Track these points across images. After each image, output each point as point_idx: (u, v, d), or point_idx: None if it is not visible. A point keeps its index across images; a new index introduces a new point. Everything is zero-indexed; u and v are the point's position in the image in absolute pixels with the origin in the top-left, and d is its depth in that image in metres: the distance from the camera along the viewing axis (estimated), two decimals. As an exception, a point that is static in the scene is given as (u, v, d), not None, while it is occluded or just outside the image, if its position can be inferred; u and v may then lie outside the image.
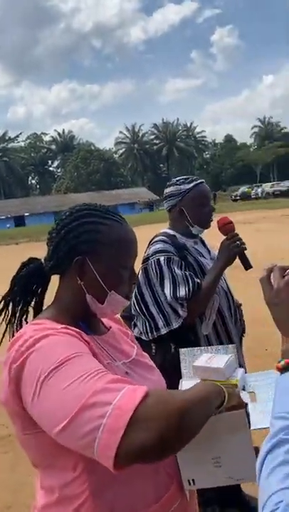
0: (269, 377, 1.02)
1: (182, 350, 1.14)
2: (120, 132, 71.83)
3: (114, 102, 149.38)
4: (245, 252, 1.86)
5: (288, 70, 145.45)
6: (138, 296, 1.86)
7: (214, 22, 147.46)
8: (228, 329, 1.91)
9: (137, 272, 1.07)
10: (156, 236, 1.96)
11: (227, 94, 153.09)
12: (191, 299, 1.76)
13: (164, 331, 1.78)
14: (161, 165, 72.05)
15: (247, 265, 1.84)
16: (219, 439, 0.91)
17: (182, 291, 1.76)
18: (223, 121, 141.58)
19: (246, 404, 0.92)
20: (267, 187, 39.63)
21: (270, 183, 42.44)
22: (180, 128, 71.89)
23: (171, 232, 1.95)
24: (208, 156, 71.67)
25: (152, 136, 71.62)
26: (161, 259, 1.80)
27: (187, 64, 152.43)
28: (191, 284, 1.77)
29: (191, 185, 1.92)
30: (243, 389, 0.96)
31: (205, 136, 75.59)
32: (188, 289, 1.76)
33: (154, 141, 70.99)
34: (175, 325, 1.77)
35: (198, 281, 1.80)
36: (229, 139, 70.54)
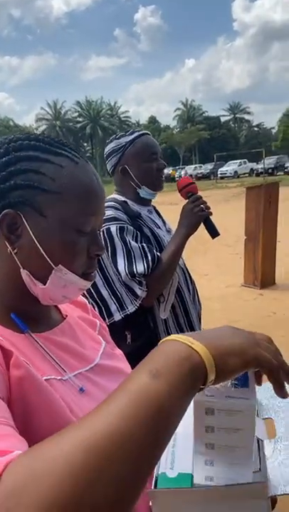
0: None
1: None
2: (42, 108, 68.51)
3: (35, 76, 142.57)
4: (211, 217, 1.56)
5: (209, 56, 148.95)
6: None
7: (137, 0, 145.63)
8: (188, 310, 1.65)
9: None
10: None
11: (151, 76, 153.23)
12: (150, 276, 1.46)
13: (117, 316, 1.45)
14: (85, 144, 70.21)
15: (214, 232, 1.54)
16: None
17: (140, 267, 1.44)
18: (147, 102, 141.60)
19: (262, 441, 0.61)
20: (190, 169, 40.53)
21: (193, 166, 43.50)
22: (104, 107, 70.36)
23: (121, 197, 1.61)
24: (132, 136, 70.95)
25: (75, 114, 69.27)
26: (112, 228, 1.46)
27: (111, 42, 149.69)
28: (150, 257, 1.46)
29: (133, 136, 1.58)
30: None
31: (129, 117, 74.83)
32: (147, 264, 1.45)
33: (78, 119, 68.80)
34: (131, 309, 1.45)
35: (158, 254, 1.50)
36: (153, 121, 70.69)
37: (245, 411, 0.51)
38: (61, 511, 0.33)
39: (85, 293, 1.50)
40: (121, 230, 1.47)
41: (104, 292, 1.48)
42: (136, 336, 1.49)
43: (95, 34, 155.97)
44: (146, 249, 1.48)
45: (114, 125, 68.10)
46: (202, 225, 1.55)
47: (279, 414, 0.66)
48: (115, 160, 1.60)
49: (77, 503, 0.34)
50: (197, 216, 1.52)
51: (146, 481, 0.39)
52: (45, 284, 0.66)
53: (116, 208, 1.53)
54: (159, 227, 1.65)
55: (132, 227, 1.51)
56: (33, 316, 0.69)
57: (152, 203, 1.74)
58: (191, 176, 38.02)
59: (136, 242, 1.49)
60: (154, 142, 1.64)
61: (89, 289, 1.50)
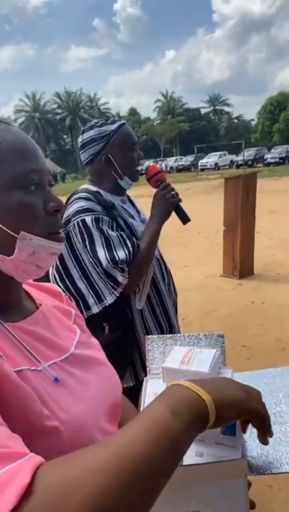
0: (265, 379, 0.75)
1: (150, 337, 0.80)
2: (20, 100, 67.47)
3: (13, 67, 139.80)
4: (181, 203, 1.60)
5: (189, 47, 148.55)
6: (61, 270, 1.50)
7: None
8: (163, 300, 1.65)
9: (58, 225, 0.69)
10: (74, 193, 1.58)
11: (131, 67, 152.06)
12: (131, 262, 1.45)
13: (95, 309, 1.45)
14: (65, 136, 69.41)
15: (185, 218, 1.58)
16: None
17: (121, 253, 1.43)
18: (127, 94, 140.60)
19: (238, 424, 0.62)
20: (171, 161, 40.51)
21: (174, 158, 43.48)
22: (84, 98, 69.58)
23: (94, 188, 1.59)
24: (112, 128, 70.43)
25: (55, 106, 68.32)
26: (88, 219, 1.44)
27: (90, 32, 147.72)
28: (130, 244, 1.45)
29: (116, 125, 1.56)
30: None
31: (109, 108, 74.23)
32: (128, 250, 1.44)
33: (57, 110, 67.87)
34: (109, 300, 1.44)
35: (137, 241, 1.50)
36: (133, 112, 70.24)
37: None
38: None
39: (62, 287, 1.49)
40: (96, 220, 1.46)
41: (81, 285, 1.46)
42: (114, 327, 1.49)
43: (74, 24, 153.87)
44: (124, 236, 1.47)
45: (94, 117, 67.36)
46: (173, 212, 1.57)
47: None
48: (97, 148, 1.56)
49: (114, 508, 0.40)
50: (169, 202, 1.54)
51: (155, 498, 0.44)
52: (12, 255, 0.64)
53: (90, 200, 1.51)
54: (133, 218, 1.64)
55: (107, 218, 1.49)
56: (5, 306, 0.67)
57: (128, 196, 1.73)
58: (172, 168, 38.01)
59: (113, 231, 1.48)
60: (133, 132, 1.64)
61: (65, 282, 1.49)
